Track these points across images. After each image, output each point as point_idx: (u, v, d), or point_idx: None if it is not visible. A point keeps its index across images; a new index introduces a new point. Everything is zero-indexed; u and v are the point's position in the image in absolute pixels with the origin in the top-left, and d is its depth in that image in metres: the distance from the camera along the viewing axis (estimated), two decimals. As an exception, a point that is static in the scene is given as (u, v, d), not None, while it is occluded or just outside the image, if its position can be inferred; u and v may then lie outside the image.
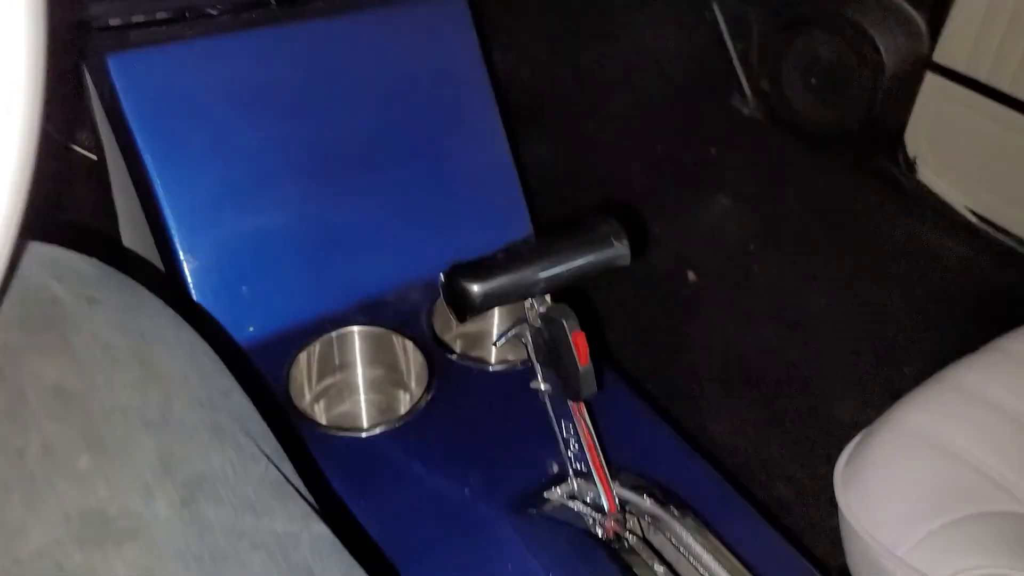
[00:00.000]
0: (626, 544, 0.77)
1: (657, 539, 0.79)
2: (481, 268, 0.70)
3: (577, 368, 0.71)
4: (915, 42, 1.49)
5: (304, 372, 0.96)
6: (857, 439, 0.87)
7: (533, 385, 0.77)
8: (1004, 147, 1.42)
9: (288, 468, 0.47)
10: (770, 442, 1.33)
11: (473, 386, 0.92)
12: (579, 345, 0.70)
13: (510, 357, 0.98)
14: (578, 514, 0.79)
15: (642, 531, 0.80)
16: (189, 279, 0.93)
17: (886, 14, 1.51)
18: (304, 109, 1.00)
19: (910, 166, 1.54)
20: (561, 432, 0.78)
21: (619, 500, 0.78)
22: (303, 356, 0.94)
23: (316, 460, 0.81)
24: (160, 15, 0.97)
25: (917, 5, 1.49)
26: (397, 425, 0.87)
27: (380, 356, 0.99)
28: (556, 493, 0.81)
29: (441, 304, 0.98)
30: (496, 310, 1.05)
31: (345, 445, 0.85)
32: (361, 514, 0.78)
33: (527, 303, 0.73)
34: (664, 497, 0.80)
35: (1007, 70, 1.38)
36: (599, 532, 0.77)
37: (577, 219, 0.73)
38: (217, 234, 0.95)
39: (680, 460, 0.87)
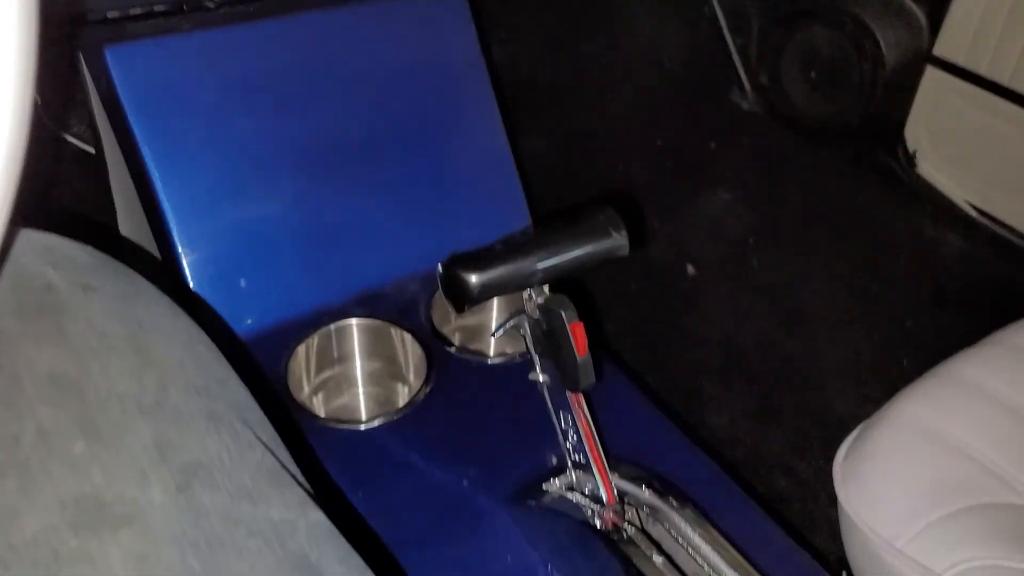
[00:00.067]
0: (625, 535, 0.77)
1: (656, 530, 0.79)
2: (479, 259, 0.70)
3: (575, 359, 0.71)
4: (915, 36, 1.49)
5: (302, 365, 0.95)
6: (856, 432, 0.87)
7: (532, 376, 0.77)
8: (1004, 141, 1.41)
9: (285, 456, 0.47)
10: (769, 435, 1.33)
11: (472, 378, 0.92)
12: (577, 336, 0.70)
13: (508, 350, 0.98)
14: (577, 505, 0.79)
15: (641, 522, 0.80)
16: (187, 271, 0.93)
17: (886, 8, 1.51)
18: (303, 101, 1.00)
19: (910, 160, 1.54)
20: (560, 423, 0.78)
21: (618, 491, 0.78)
22: (301, 349, 0.94)
23: (314, 451, 0.81)
24: (158, 7, 0.97)
25: (917, -2, 1.49)
26: (396, 417, 0.87)
27: (378, 349, 0.99)
28: (555, 484, 0.81)
29: (440, 297, 0.99)
30: (495, 302, 1.05)
31: (344, 437, 0.85)
32: (359, 506, 0.78)
33: (525, 294, 0.73)
34: (663, 488, 0.80)
35: (1007, 63, 1.37)
36: (598, 523, 0.77)
37: (575, 209, 0.73)
38: (215, 227, 0.95)
39: (679, 451, 0.86)
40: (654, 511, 0.79)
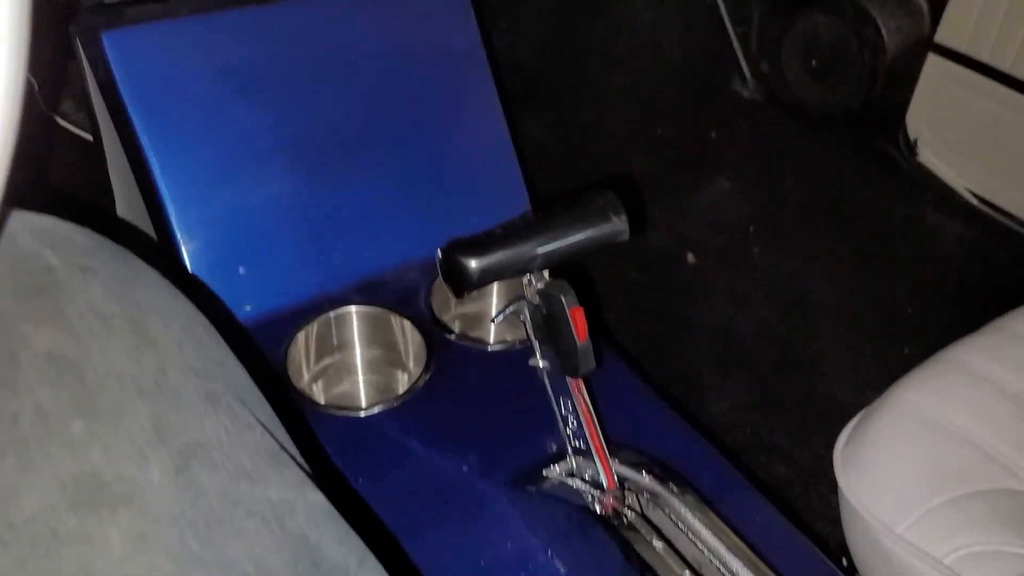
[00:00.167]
0: (625, 520, 0.77)
1: (656, 515, 0.79)
2: (478, 244, 0.70)
3: (575, 344, 0.70)
4: (916, 22, 1.49)
5: (302, 352, 0.95)
6: (856, 419, 0.87)
7: (531, 362, 0.77)
8: (1005, 128, 1.41)
9: (284, 437, 0.47)
10: (769, 423, 1.33)
11: (471, 365, 0.92)
12: (577, 321, 0.70)
13: (508, 337, 0.98)
14: (577, 491, 0.79)
15: (641, 508, 0.80)
16: (186, 258, 0.93)
17: (887, -6, 1.50)
18: (302, 87, 0.99)
19: (911, 148, 1.54)
20: (560, 409, 0.78)
21: (618, 477, 0.78)
22: (301, 336, 0.94)
23: (314, 436, 0.81)
24: (155, -7, 0.96)
25: (918, -15, 1.48)
26: (396, 404, 0.87)
27: (378, 336, 0.99)
28: (555, 470, 0.81)
29: (439, 284, 0.98)
30: (494, 290, 1.04)
31: (343, 424, 0.85)
32: (359, 491, 0.78)
33: (525, 279, 0.73)
34: (663, 474, 0.80)
35: (1009, 50, 1.37)
36: (598, 509, 0.77)
37: (575, 194, 0.72)
38: (214, 214, 0.95)
39: (679, 437, 0.86)
40: (654, 497, 0.79)
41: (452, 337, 0.95)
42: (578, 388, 0.75)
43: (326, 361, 0.99)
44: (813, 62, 1.63)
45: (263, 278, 0.96)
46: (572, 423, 0.77)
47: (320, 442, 0.82)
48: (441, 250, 0.70)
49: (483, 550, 0.74)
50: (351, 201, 1.01)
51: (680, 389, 1.37)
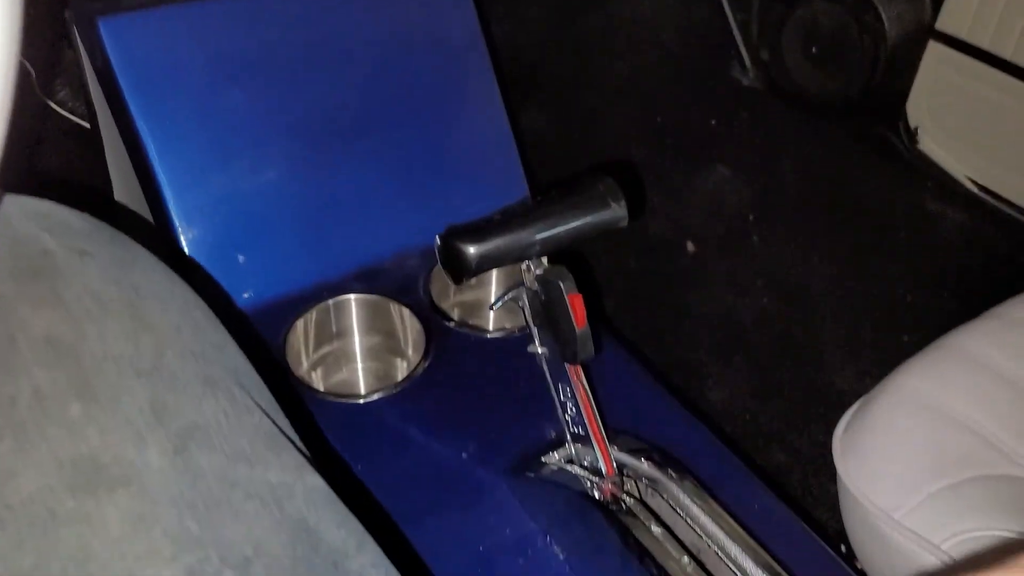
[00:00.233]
0: (623, 506, 0.77)
1: (655, 502, 0.79)
2: (477, 230, 0.70)
3: (574, 331, 0.70)
4: (917, 9, 1.48)
5: (301, 340, 0.95)
6: (856, 406, 0.87)
7: (530, 349, 0.77)
8: (1006, 116, 1.41)
9: (283, 421, 0.47)
10: (768, 410, 1.33)
11: (470, 353, 0.92)
12: (576, 307, 0.70)
13: (507, 325, 0.98)
14: (576, 477, 0.79)
15: (640, 494, 0.80)
16: (185, 246, 0.92)
17: (888, -19, 1.49)
18: (300, 74, 0.99)
19: (911, 136, 1.54)
20: (559, 396, 0.78)
21: (617, 463, 0.78)
22: (300, 324, 0.94)
23: (313, 421, 0.81)
24: (152, -21, 0.96)
25: (919, -28, 1.48)
26: (395, 391, 0.87)
27: (377, 324, 0.99)
28: (554, 457, 0.81)
29: (438, 271, 0.98)
30: (493, 278, 1.04)
31: (343, 411, 0.85)
32: (359, 478, 0.78)
33: (523, 266, 0.73)
34: (662, 460, 0.80)
35: (1010, 38, 1.36)
36: (597, 495, 0.77)
37: (574, 179, 0.72)
38: (212, 201, 0.94)
39: (678, 424, 0.86)
40: (653, 483, 0.79)
41: (451, 324, 0.95)
42: (577, 375, 0.75)
43: (325, 349, 0.99)
44: (813, 50, 1.63)
45: (262, 266, 0.96)
46: (571, 410, 0.77)
47: (319, 428, 0.82)
48: (440, 237, 0.70)
49: (482, 536, 0.74)
50: (350, 188, 1.01)
51: (680, 377, 1.38)
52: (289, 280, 0.96)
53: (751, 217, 1.60)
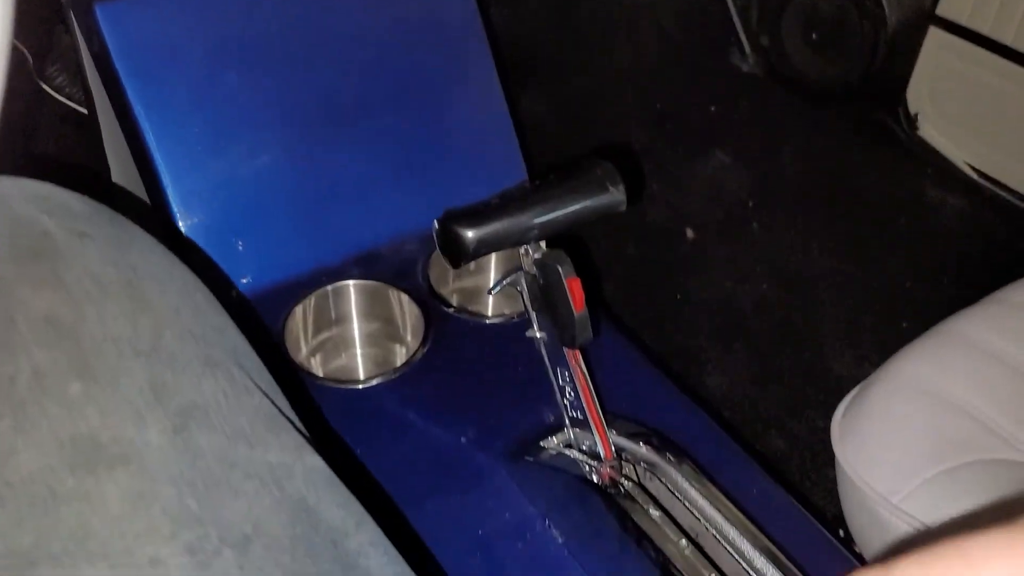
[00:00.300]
0: (622, 490, 0.78)
1: (653, 485, 0.79)
2: (475, 214, 0.69)
3: (572, 315, 0.70)
4: (918, -6, 1.47)
5: (300, 326, 0.95)
6: (855, 391, 0.87)
7: (529, 333, 0.77)
8: (1006, 102, 1.40)
9: (282, 402, 0.47)
10: (767, 396, 1.33)
11: (469, 338, 0.92)
12: (574, 291, 0.70)
13: (506, 310, 0.98)
14: (574, 461, 0.79)
15: (638, 478, 0.80)
16: (183, 232, 0.92)
17: (888, -33, 1.49)
18: (298, 59, 0.99)
19: (911, 122, 1.53)
20: (557, 380, 0.78)
21: (615, 447, 0.78)
22: (299, 309, 0.94)
23: (312, 404, 0.81)
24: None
25: (920, -43, 1.47)
26: (394, 376, 0.87)
27: (376, 310, 0.99)
28: (552, 441, 0.81)
29: (437, 257, 0.98)
30: (492, 263, 1.04)
31: (342, 396, 0.85)
32: (358, 462, 0.78)
33: (522, 250, 0.73)
34: (660, 444, 0.80)
35: (1010, 23, 1.36)
36: (595, 479, 0.78)
37: (572, 164, 0.72)
38: (211, 187, 0.94)
39: (676, 408, 0.87)
40: (651, 467, 0.79)
41: (450, 310, 0.95)
42: (575, 359, 0.75)
43: (324, 335, 0.99)
44: (813, 35, 1.62)
45: (260, 251, 0.96)
46: (570, 394, 0.77)
47: (319, 413, 0.82)
48: (438, 221, 0.70)
49: (481, 520, 0.75)
50: (348, 174, 1.01)
51: (679, 363, 1.38)
52: (287, 266, 0.96)
53: (751, 203, 1.60)
